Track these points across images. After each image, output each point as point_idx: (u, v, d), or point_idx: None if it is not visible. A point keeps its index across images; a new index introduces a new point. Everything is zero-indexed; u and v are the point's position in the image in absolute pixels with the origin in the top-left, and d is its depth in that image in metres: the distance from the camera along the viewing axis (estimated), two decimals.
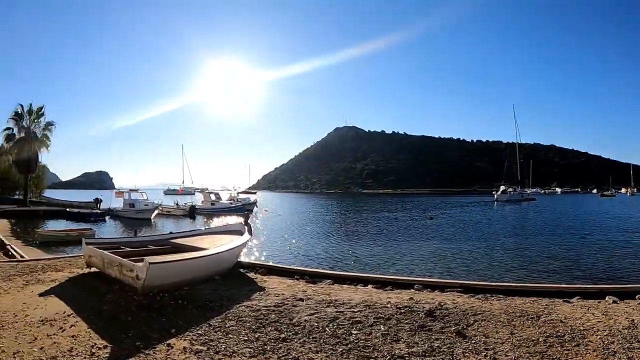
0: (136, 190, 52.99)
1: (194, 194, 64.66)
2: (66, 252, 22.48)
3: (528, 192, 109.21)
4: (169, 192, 59.05)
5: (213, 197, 63.02)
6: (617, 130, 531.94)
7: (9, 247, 19.93)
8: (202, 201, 63.43)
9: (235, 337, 6.41)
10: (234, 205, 61.44)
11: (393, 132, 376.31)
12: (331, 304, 8.31)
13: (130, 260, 9.25)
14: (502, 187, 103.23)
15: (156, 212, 47.74)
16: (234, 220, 47.25)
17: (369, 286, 10.82)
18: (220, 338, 6.34)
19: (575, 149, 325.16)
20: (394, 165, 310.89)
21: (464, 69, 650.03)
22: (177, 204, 58.58)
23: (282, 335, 6.45)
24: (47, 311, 7.28)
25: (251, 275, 11.93)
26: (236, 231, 15.04)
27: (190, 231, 16.37)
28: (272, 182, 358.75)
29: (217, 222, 46.85)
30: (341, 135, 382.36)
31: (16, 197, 56.01)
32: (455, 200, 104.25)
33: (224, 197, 66.02)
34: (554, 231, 35.16)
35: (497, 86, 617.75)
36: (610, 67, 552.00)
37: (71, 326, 6.53)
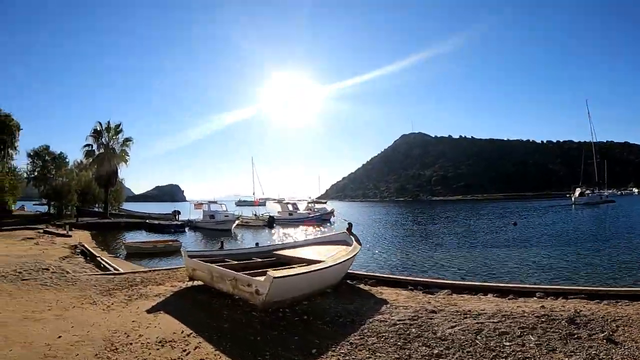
0: (215, 202, 53.20)
1: (265, 205, 63.87)
2: (155, 264, 22.48)
3: (606, 193, 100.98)
4: (240, 203, 58.85)
5: (290, 207, 62.43)
6: None
7: (99, 259, 19.53)
8: (279, 211, 62.85)
9: (383, 355, 5.86)
10: (312, 215, 60.86)
11: (460, 136, 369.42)
12: (467, 315, 7.78)
13: (245, 274, 8.99)
14: (578, 190, 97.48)
15: (236, 223, 47.71)
16: (311, 230, 47.72)
17: (489, 295, 10.27)
18: (369, 357, 5.78)
19: None
20: (463, 170, 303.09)
21: (529, 66, 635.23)
22: (255, 215, 58.40)
23: (435, 351, 5.91)
24: (163, 331, 6.90)
25: (362, 286, 11.48)
26: (341, 241, 14.44)
27: (292, 243, 16.13)
28: (340, 191, 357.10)
29: (295, 232, 46.36)
30: (408, 141, 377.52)
31: (96, 209, 57.00)
32: (530, 205, 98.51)
33: (301, 208, 65.29)
34: None
35: (564, 83, 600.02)
36: None
37: (195, 348, 6.08)
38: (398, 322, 7.37)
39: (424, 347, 6.07)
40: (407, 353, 5.87)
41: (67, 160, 51.72)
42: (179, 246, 28.51)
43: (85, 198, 55.61)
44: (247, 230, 47.99)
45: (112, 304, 8.83)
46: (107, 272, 14.77)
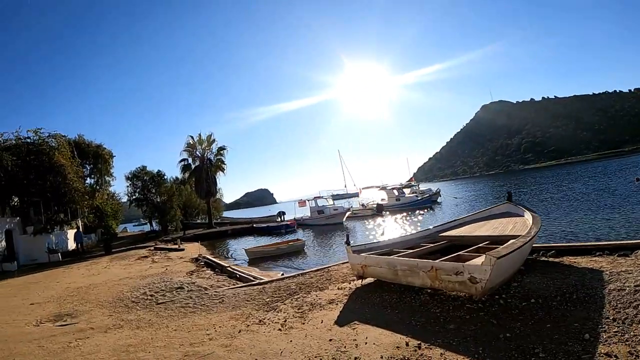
0: (321, 197, 51.86)
1: (358, 196, 61.89)
2: (284, 266, 21.52)
3: None
4: (335, 197, 57.13)
5: (396, 192, 60.56)
6: None
7: (230, 268, 17.50)
8: (383, 198, 61.38)
9: None
10: (420, 197, 58.98)
11: (543, 98, 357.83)
12: None
13: (444, 261, 7.99)
14: None
15: (347, 214, 46.48)
16: (417, 213, 46.94)
17: None
18: None
19: None
20: (552, 133, 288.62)
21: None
22: (362, 205, 57.73)
23: None
24: (382, 347, 5.67)
25: (546, 259, 10.05)
26: (505, 213, 13.69)
27: (454, 222, 13.97)
28: (428, 172, 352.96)
29: (411, 218, 43.93)
30: (489, 112, 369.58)
31: (198, 221, 57.42)
32: (635, 160, 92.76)
33: (406, 192, 62.94)
34: None
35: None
36: None
37: None
38: (638, 288, 6.35)
39: None
40: None
41: (165, 177, 51.67)
42: (302, 245, 27.26)
43: (187, 211, 56.77)
44: (357, 222, 46.31)
45: (285, 320, 7.62)
46: (251, 283, 12.84)
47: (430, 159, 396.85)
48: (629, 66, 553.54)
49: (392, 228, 36.31)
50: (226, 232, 46.44)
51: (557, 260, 9.72)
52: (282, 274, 15.33)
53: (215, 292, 11.51)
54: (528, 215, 11.88)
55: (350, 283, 10.07)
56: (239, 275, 15.78)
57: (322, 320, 7.27)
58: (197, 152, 51.79)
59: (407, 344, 5.58)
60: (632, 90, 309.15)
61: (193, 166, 51.80)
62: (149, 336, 7.55)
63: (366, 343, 5.83)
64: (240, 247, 32.82)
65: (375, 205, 55.53)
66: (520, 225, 11.08)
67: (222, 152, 53.11)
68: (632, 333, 4.99)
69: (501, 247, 7.92)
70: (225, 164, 53.36)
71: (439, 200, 60.82)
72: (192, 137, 51.87)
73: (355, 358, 5.33)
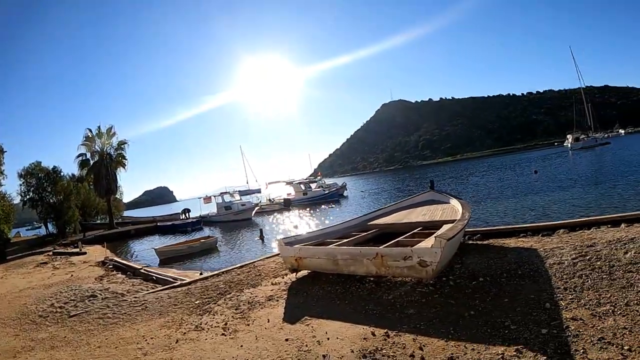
0: (227, 193, 50.66)
1: (260, 192, 61.46)
2: (199, 265, 20.86)
3: (600, 136, 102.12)
4: (240, 193, 56.37)
5: (303, 187, 60.21)
6: None
7: (144, 271, 16.30)
8: (288, 193, 61.39)
9: (606, 289, 5.69)
10: (328, 192, 59.42)
11: (440, 98, 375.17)
12: (626, 242, 7.53)
13: (385, 247, 7.92)
14: (570, 136, 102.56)
15: (255, 210, 45.94)
16: (324, 207, 47.88)
17: (603, 227, 9.79)
18: (602, 295, 5.47)
19: (630, 86, 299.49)
20: (448, 131, 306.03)
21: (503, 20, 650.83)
22: (269, 200, 57.56)
23: None
24: (347, 341, 5.33)
25: (473, 242, 10.54)
26: (429, 201, 14.23)
27: (382, 211, 14.18)
28: (329, 168, 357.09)
29: (320, 212, 44.16)
30: (389, 110, 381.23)
31: (98, 221, 53.96)
32: (528, 156, 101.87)
33: (313, 186, 63.14)
34: None
35: (533, 32, 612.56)
36: None
37: (422, 347, 4.81)
38: (574, 261, 7.04)
39: (630, 274, 5.99)
40: (626, 279, 5.82)
41: (62, 174, 47.52)
42: (215, 242, 26.47)
43: (86, 212, 52.51)
44: (266, 217, 45.95)
45: (226, 323, 6.90)
46: (173, 285, 11.60)
47: (330, 155, 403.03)
48: (523, 71, 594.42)
49: (304, 222, 36.13)
50: (129, 233, 44.02)
51: (485, 242, 10.12)
52: (202, 273, 14.58)
53: (135, 297, 10.38)
54: (455, 202, 12.31)
55: (283, 278, 9.56)
56: (156, 277, 14.68)
57: (268, 320, 6.74)
58: (96, 147, 47.87)
59: (373, 334, 5.37)
60: (525, 94, 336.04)
61: (92, 162, 47.75)
62: (70, 358, 6.50)
63: (328, 339, 5.47)
64: (146, 247, 31.69)
65: (282, 200, 55.43)
66: (450, 211, 11.42)
67: (122, 146, 49.43)
68: (587, 298, 5.44)
69: (446, 229, 8.14)
70: (126, 159, 49.79)
71: (345, 194, 61.70)
72: (90, 130, 47.81)
73: (324, 356, 4.92)
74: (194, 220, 46.17)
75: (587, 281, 6.07)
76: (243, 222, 41.95)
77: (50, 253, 28.36)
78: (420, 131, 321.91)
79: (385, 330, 5.39)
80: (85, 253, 26.64)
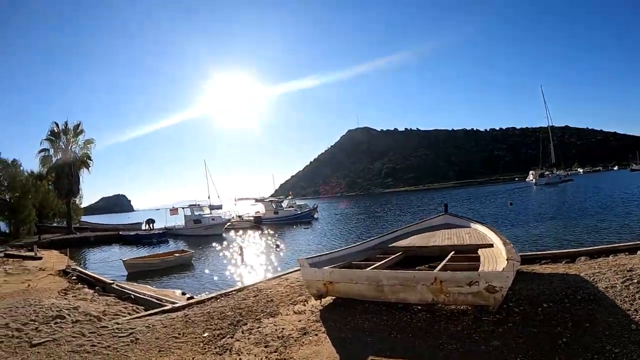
0: (197, 205, 48.12)
1: (221, 208, 59.32)
2: (174, 282, 19.12)
3: (563, 174, 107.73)
4: (197, 209, 54.35)
5: (274, 205, 58.45)
6: (634, 103, 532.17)
7: (116, 286, 13.92)
8: (257, 211, 59.11)
9: None
10: (300, 212, 58.03)
11: (406, 129, 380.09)
12: None
13: (444, 272, 6.83)
14: (532, 172, 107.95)
15: (226, 226, 44.20)
16: (296, 227, 46.92)
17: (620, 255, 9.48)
18: None
19: (589, 127, 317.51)
20: (412, 161, 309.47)
21: (469, 60, 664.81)
22: (239, 217, 55.18)
23: None
24: None
25: None
26: (444, 224, 13.41)
27: (395, 231, 13.39)
28: (290, 189, 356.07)
29: (293, 231, 43.15)
30: (354, 137, 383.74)
31: (54, 224, 50.23)
32: (492, 189, 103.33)
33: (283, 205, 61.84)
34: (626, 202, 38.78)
35: (503, 74, 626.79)
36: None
37: None
38: (625, 284, 6.56)
39: None
40: None
41: (21, 168, 44.63)
42: (190, 257, 24.25)
43: (43, 212, 48.59)
44: (236, 234, 43.94)
45: None
46: (164, 309, 9.19)
47: (293, 176, 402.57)
48: (488, 107, 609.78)
49: (282, 241, 33.63)
50: (89, 239, 41.01)
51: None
52: (184, 293, 13.21)
53: (117, 324, 7.99)
54: (477, 225, 11.80)
55: (305, 305, 7.93)
56: (134, 296, 12.22)
57: None
58: (61, 143, 44.39)
59: None
60: (487, 130, 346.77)
61: (54, 159, 44.12)
62: None
63: None
64: (107, 256, 29.73)
65: (252, 218, 53.62)
66: (476, 234, 10.78)
67: (89, 145, 46.15)
68: None
69: (505, 251, 7.22)
70: (91, 160, 46.42)
71: (315, 215, 60.16)
72: (56, 124, 44.29)
73: None
74: (160, 231, 43.67)
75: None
76: (213, 237, 39.68)
77: (1, 255, 25.34)
78: (384, 159, 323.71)
79: None
80: (40, 258, 24.32)
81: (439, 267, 7.50)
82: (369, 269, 7.94)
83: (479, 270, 6.70)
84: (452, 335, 5.51)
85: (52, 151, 44.38)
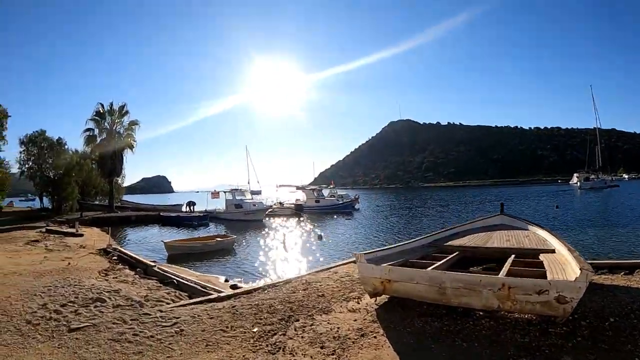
0: (238, 190, 47.45)
1: (260, 194, 58.74)
2: (213, 266, 18.46)
3: (609, 179, 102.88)
4: (238, 193, 54.11)
5: (315, 194, 57.38)
6: None
7: (158, 269, 13.42)
8: (298, 199, 59.01)
9: None
10: (341, 202, 57.06)
11: (448, 123, 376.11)
12: None
13: (512, 277, 6.37)
14: (576, 175, 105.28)
15: (267, 211, 43.61)
16: (337, 217, 46.03)
17: None
18: None
19: (637, 131, 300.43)
20: (453, 156, 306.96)
21: (513, 54, 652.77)
22: (280, 203, 54.17)
23: None
24: None
25: None
26: (499, 225, 13.06)
27: (449, 229, 13.00)
28: (330, 178, 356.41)
29: (333, 221, 42.15)
30: (396, 129, 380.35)
31: (97, 202, 50.35)
32: (534, 190, 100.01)
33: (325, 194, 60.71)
34: None
35: (549, 71, 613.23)
36: None
37: None
38: None
39: None
40: None
41: (66, 147, 44.94)
42: (232, 242, 23.84)
43: (85, 190, 48.99)
44: (275, 220, 43.38)
45: None
46: (209, 297, 8.83)
47: (332, 165, 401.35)
48: (532, 105, 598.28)
49: (327, 232, 32.23)
50: (130, 219, 41.17)
51: None
52: (227, 280, 12.75)
53: (160, 311, 7.54)
54: (536, 228, 11.62)
55: (359, 302, 7.68)
56: (177, 281, 11.66)
57: None
58: (106, 124, 45.00)
59: None
60: (532, 128, 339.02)
61: (99, 139, 44.74)
62: None
63: None
64: (146, 236, 29.67)
65: (293, 205, 52.85)
66: (535, 238, 10.54)
67: (133, 127, 46.72)
68: None
69: (574, 260, 6.93)
70: (135, 141, 47.00)
71: (356, 206, 59.05)
72: (102, 105, 44.91)
73: None
74: (201, 214, 43.35)
75: None
76: (253, 222, 39.46)
77: (44, 230, 25.63)
78: (425, 153, 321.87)
79: None
80: (82, 235, 24.27)
81: (503, 272, 7.14)
82: (429, 269, 7.56)
83: (548, 278, 6.35)
84: (520, 346, 5.25)
85: (96, 131, 45.01)
